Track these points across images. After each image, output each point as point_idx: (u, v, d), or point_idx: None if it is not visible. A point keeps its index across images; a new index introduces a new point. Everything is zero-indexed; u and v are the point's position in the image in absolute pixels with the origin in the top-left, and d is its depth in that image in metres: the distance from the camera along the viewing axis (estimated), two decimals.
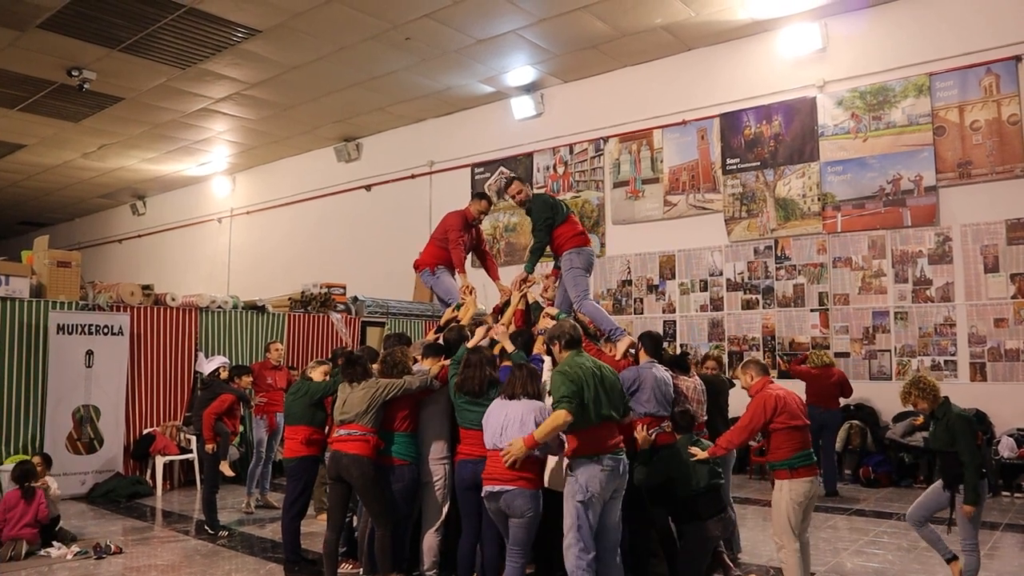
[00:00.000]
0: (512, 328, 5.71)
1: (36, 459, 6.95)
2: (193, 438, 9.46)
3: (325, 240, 16.02)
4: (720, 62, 11.09)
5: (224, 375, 7.62)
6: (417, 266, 6.80)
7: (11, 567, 5.99)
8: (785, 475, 4.73)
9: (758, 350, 10.48)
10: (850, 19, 10.06)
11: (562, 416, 4.24)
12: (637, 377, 5.21)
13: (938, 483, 4.99)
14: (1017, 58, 8.97)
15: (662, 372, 5.36)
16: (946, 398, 4.95)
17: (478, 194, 6.89)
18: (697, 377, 5.87)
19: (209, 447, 6.94)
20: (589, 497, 4.28)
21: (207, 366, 7.99)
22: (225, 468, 7.15)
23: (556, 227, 6.17)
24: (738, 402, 9.42)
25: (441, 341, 5.58)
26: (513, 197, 6.42)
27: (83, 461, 8.82)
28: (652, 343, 5.49)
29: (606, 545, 4.42)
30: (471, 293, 6.27)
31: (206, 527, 7.08)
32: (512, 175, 6.82)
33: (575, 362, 4.46)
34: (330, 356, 6.94)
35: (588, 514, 4.29)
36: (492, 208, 6.94)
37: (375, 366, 5.36)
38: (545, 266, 8.12)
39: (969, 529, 4.82)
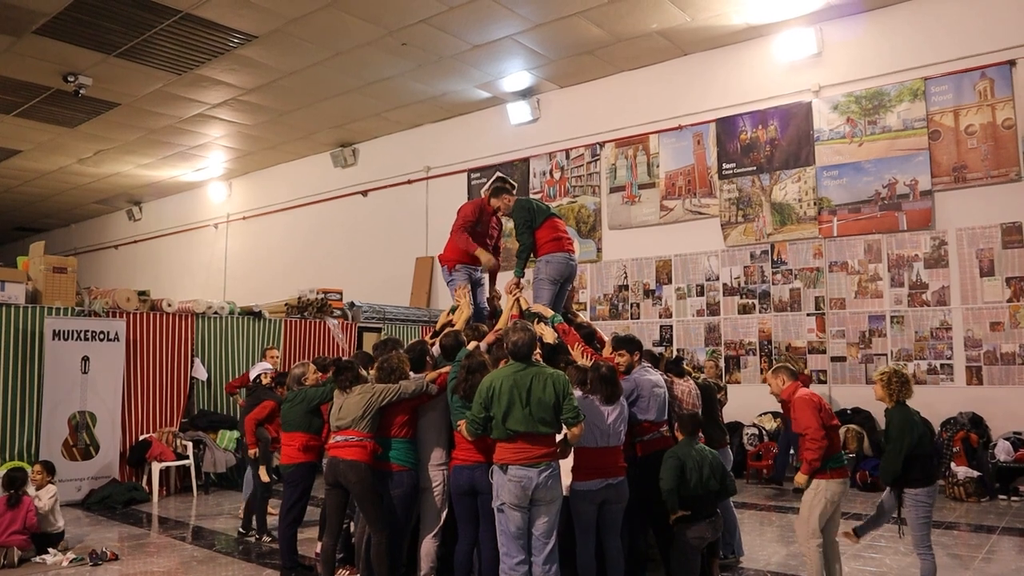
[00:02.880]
0: None
1: (37, 467, 6.89)
2: (190, 443, 9.50)
3: (321, 246, 16.01)
4: (716, 67, 11.12)
5: (265, 381, 7.57)
6: (440, 261, 6.77)
7: (5, 574, 5.96)
8: (820, 475, 4.79)
9: (755, 355, 10.49)
10: (845, 24, 10.10)
11: (464, 431, 4.70)
12: (635, 387, 5.21)
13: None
14: (1011, 62, 9.01)
15: (655, 376, 5.37)
16: (901, 402, 4.88)
17: (499, 178, 6.81)
18: (692, 381, 5.87)
19: (252, 452, 6.92)
20: (501, 504, 4.48)
21: (252, 372, 8.00)
22: (263, 474, 7.00)
23: (536, 229, 6.25)
24: (732, 406, 9.47)
25: (437, 347, 5.58)
26: (498, 211, 6.58)
27: (79, 467, 8.77)
28: (636, 348, 5.41)
29: (537, 557, 4.46)
30: (466, 297, 6.27)
31: (240, 529, 7.16)
32: (494, 185, 6.81)
33: (496, 375, 4.61)
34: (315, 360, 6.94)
35: (505, 520, 4.47)
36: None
37: (372, 372, 5.35)
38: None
39: (919, 533, 4.77)
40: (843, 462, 4.90)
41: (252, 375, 7.89)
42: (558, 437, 4.60)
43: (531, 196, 6.77)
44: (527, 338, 4.59)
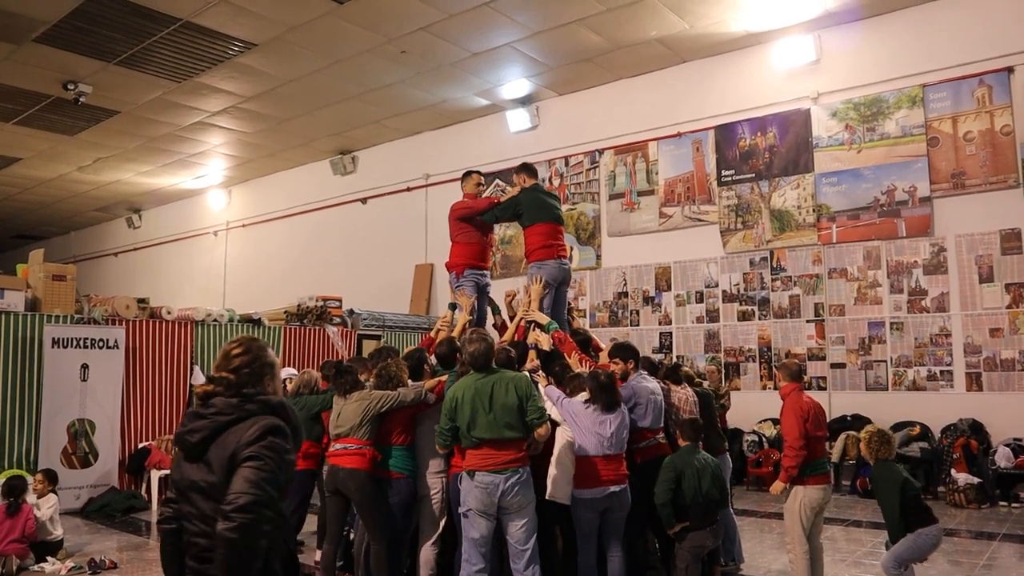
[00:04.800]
0: (515, 340, 5.75)
1: (38, 476, 6.87)
2: None
3: (321, 253, 16.00)
4: (715, 74, 11.14)
5: (289, 387, 7.46)
6: (447, 268, 6.77)
7: None
8: (798, 482, 4.86)
9: (754, 361, 10.49)
10: (844, 31, 10.12)
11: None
12: (633, 394, 5.21)
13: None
14: (1010, 69, 9.03)
15: (653, 383, 5.38)
16: (881, 460, 4.81)
17: (465, 173, 6.84)
18: (689, 388, 5.88)
19: None
20: (467, 511, 4.51)
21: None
22: None
23: (526, 227, 6.26)
24: (732, 412, 9.45)
25: (434, 356, 5.58)
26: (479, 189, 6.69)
27: (78, 475, 8.76)
28: (632, 355, 5.44)
29: (518, 563, 4.49)
30: (467, 298, 6.26)
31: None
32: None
33: (458, 386, 4.65)
34: (320, 367, 6.92)
35: (469, 527, 4.51)
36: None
37: (370, 380, 5.34)
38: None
39: (904, 558, 4.68)
40: (824, 469, 4.98)
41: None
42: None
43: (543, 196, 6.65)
44: (483, 348, 4.66)
